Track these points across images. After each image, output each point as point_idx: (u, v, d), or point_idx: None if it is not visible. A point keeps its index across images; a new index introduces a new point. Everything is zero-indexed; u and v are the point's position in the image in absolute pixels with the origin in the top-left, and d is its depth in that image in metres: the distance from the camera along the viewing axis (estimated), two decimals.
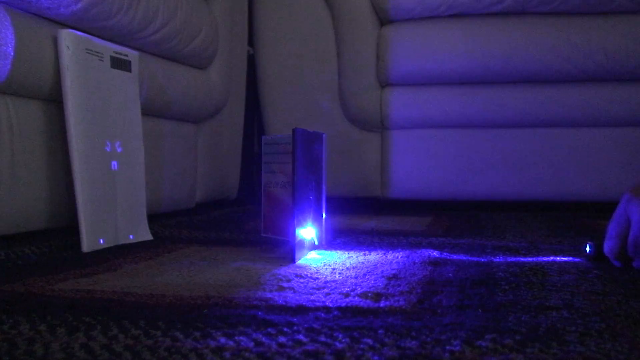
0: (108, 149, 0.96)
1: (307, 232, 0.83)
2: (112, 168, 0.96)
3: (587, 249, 0.79)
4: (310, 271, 0.72)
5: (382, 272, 0.71)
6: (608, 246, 0.73)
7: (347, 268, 0.74)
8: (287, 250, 0.83)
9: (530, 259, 0.80)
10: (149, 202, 1.09)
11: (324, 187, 0.92)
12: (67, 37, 0.89)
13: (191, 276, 0.69)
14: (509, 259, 0.80)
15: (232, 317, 0.50)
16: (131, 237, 0.98)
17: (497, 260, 0.80)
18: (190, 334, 0.45)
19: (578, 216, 1.46)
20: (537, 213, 1.54)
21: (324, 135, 0.93)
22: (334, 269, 0.73)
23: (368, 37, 1.65)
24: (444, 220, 1.34)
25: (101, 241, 0.91)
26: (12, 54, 0.84)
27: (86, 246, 0.88)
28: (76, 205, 0.88)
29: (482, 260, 0.80)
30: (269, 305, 0.55)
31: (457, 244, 0.95)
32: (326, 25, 1.71)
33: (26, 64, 0.86)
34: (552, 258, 0.81)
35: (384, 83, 1.66)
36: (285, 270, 0.72)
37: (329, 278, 0.68)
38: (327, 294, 0.59)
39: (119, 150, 0.98)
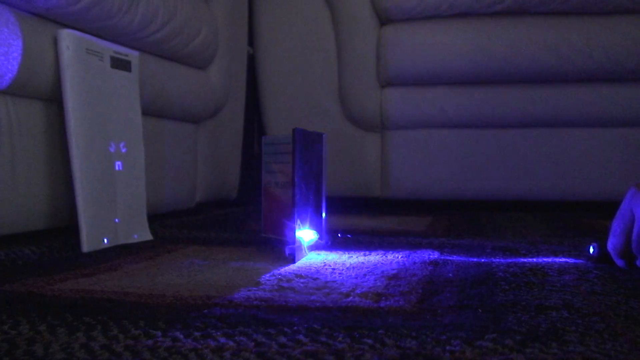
0: (112, 150, 0.96)
1: (306, 233, 0.83)
2: (117, 168, 0.97)
3: (591, 250, 0.77)
4: (310, 271, 0.72)
5: (383, 272, 0.71)
6: (612, 243, 0.71)
7: (347, 268, 0.74)
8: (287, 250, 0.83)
9: (530, 259, 0.80)
10: (149, 202, 1.09)
11: (324, 187, 0.92)
12: (67, 37, 0.89)
13: (191, 276, 0.69)
14: (509, 259, 0.80)
15: (232, 317, 0.50)
16: (135, 236, 0.99)
17: (497, 260, 0.80)
18: (190, 334, 0.45)
19: (578, 216, 1.46)
20: (537, 213, 1.54)
21: (324, 135, 0.93)
22: (334, 269, 0.73)
23: (368, 37, 1.65)
24: (444, 220, 1.34)
25: (101, 241, 0.91)
26: (20, 59, 0.84)
27: (86, 246, 0.88)
28: (76, 205, 0.88)
29: (482, 260, 0.80)
30: (269, 305, 0.55)
31: (457, 244, 0.95)
32: (326, 25, 1.71)
33: (26, 64, 0.86)
34: (552, 258, 0.81)
35: (384, 83, 1.66)
36: (286, 270, 0.72)
37: (329, 278, 0.68)
38: (328, 294, 0.59)
39: (123, 150, 0.98)
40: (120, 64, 1.00)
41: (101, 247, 0.90)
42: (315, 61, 1.73)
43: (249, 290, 0.61)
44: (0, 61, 0.82)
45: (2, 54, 0.82)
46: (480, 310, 0.53)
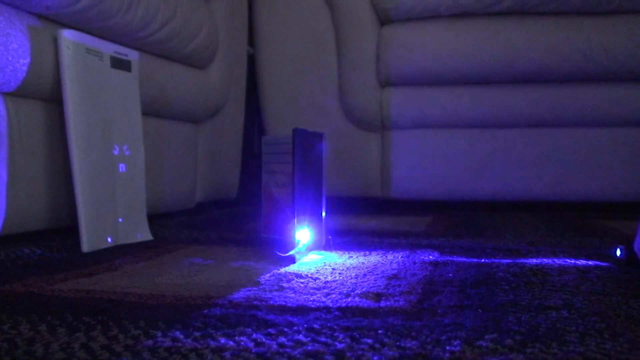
0: (116, 152, 0.96)
1: (303, 234, 0.83)
2: (120, 170, 0.97)
3: (618, 252, 0.75)
4: (310, 271, 0.72)
5: (383, 272, 0.71)
6: (639, 244, 0.70)
7: (347, 268, 0.74)
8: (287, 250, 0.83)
9: (530, 260, 0.80)
10: (149, 202, 1.09)
11: (324, 187, 0.92)
12: (67, 37, 0.89)
13: (191, 276, 0.69)
14: (509, 259, 0.80)
15: (232, 317, 0.50)
16: (139, 235, 0.99)
17: (497, 260, 0.80)
18: (190, 334, 0.45)
19: (578, 216, 1.46)
20: (537, 213, 1.54)
21: (324, 135, 0.93)
22: (334, 269, 0.73)
23: (368, 37, 1.65)
24: (444, 221, 1.34)
25: (105, 240, 0.91)
26: (27, 67, 0.84)
27: (86, 246, 0.88)
28: (76, 205, 0.88)
29: (482, 260, 0.80)
30: (269, 305, 0.55)
31: (457, 244, 0.95)
32: (326, 25, 1.71)
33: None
34: (552, 258, 0.81)
35: (384, 83, 1.66)
36: (286, 271, 0.72)
37: (329, 278, 0.68)
38: (328, 294, 0.59)
39: (127, 153, 0.98)
40: (120, 64, 1.00)
41: (101, 247, 0.90)
42: (315, 61, 1.73)
43: (249, 290, 0.61)
44: (1, 52, 0.82)
45: (1, 43, 0.82)
46: (480, 310, 0.53)
